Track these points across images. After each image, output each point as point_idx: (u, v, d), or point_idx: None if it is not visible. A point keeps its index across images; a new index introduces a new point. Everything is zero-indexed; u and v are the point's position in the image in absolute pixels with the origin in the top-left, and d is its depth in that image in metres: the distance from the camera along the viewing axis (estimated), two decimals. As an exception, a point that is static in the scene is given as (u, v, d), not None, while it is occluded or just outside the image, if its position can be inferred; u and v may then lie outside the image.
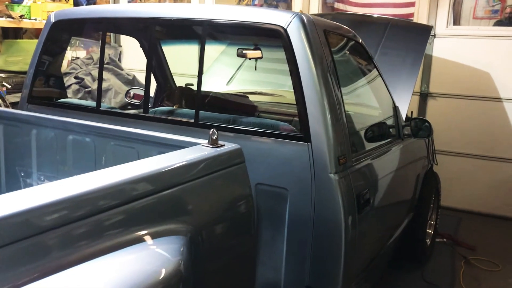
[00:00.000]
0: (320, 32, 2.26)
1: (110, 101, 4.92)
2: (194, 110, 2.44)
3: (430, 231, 4.05)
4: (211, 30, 2.55)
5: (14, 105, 4.55)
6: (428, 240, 3.94)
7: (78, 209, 1.17)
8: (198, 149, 1.70)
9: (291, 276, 2.22)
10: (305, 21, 2.19)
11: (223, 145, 1.74)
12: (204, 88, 4.06)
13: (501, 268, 3.89)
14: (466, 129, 5.16)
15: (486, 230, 4.80)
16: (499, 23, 5.20)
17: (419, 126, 3.08)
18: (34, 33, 6.04)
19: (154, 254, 1.31)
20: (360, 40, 2.80)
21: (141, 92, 3.61)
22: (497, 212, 5.11)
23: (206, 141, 1.74)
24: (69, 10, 3.43)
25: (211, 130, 1.72)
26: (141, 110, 2.72)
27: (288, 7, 6.00)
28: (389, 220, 3.00)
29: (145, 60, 3.25)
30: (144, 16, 2.63)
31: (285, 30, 2.18)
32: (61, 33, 2.96)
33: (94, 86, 5.07)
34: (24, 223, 1.05)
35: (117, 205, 1.27)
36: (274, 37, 2.26)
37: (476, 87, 5.06)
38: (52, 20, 2.85)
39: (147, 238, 1.33)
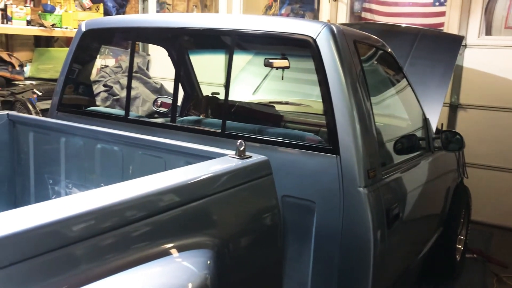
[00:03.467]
0: (350, 42, 2.23)
1: (137, 109, 4.97)
2: (220, 120, 2.42)
3: (460, 246, 3.92)
4: (240, 40, 2.54)
5: (44, 112, 4.64)
6: (458, 256, 3.82)
7: (105, 221, 1.16)
8: (226, 160, 1.68)
9: (317, 291, 2.18)
10: (335, 32, 2.16)
11: (251, 157, 1.72)
12: (231, 97, 4.08)
13: (534, 287, 3.74)
14: (497, 141, 5.01)
15: (518, 247, 4.64)
16: (532, 33, 5.06)
17: (449, 139, 3.01)
18: (65, 41, 6.17)
19: (181, 267, 1.29)
20: (390, 50, 2.75)
21: (169, 101, 3.64)
22: (530, 229, 4.94)
23: (233, 152, 1.72)
24: (100, 19, 3.49)
25: (239, 141, 1.70)
26: (169, 119, 2.72)
27: (315, 16, 5.97)
28: (418, 235, 2.92)
29: (172, 69, 3.28)
30: (173, 26, 2.64)
31: (315, 41, 2.15)
32: (91, 42, 3.00)
33: (123, 94, 5.14)
34: (53, 234, 1.05)
35: (143, 217, 1.25)
36: (303, 47, 2.24)
37: (507, 99, 4.92)
38: (83, 29, 2.89)
39: (174, 251, 1.31)
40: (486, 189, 5.04)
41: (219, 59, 4.01)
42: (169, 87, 5.45)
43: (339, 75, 2.11)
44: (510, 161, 4.99)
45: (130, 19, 3.25)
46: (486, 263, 4.12)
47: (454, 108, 5.15)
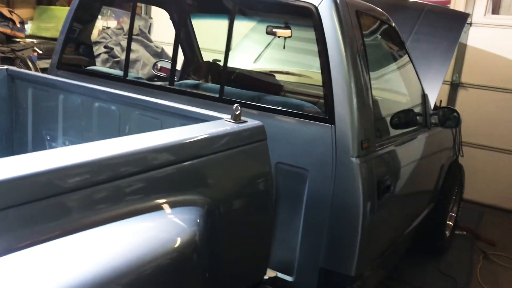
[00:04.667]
0: (352, 13, 2.21)
1: (137, 72, 4.96)
2: (219, 85, 2.43)
3: (451, 223, 3.99)
4: (242, 6, 2.52)
5: (44, 71, 4.62)
6: (447, 232, 3.88)
7: (99, 174, 1.19)
8: (221, 124, 1.70)
9: (305, 257, 2.23)
10: (338, 0, 2.14)
11: (246, 121, 1.74)
12: (231, 64, 4.05)
13: (520, 266, 3.83)
14: (496, 122, 5.03)
15: (508, 226, 4.71)
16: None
17: (447, 116, 3.02)
18: (67, 0, 6.10)
19: (171, 222, 1.32)
20: (393, 23, 2.73)
21: (168, 65, 3.62)
22: (522, 209, 5.01)
23: (229, 116, 1.74)
24: (102, -22, 3.43)
25: (235, 105, 1.72)
26: (167, 83, 2.72)
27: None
28: (409, 209, 2.97)
29: (174, 33, 3.25)
30: (175, -13, 2.61)
31: (317, 9, 2.14)
32: (92, 1, 2.97)
33: (123, 56, 5.11)
34: (47, 183, 1.08)
35: (137, 172, 1.28)
36: (305, 16, 2.22)
37: (509, 80, 4.91)
38: (85, -13, 2.86)
39: (165, 206, 1.34)
40: (481, 169, 5.09)
41: (222, 25, 3.98)
42: (170, 51, 5.41)
43: (339, 46, 2.11)
44: (506, 142, 5.02)
45: (132, -21, 3.21)
46: (474, 241, 4.20)
47: (455, 86, 5.14)
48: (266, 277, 2.01)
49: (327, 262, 2.18)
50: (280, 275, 2.26)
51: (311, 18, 2.17)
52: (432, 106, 3.29)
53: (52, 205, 1.08)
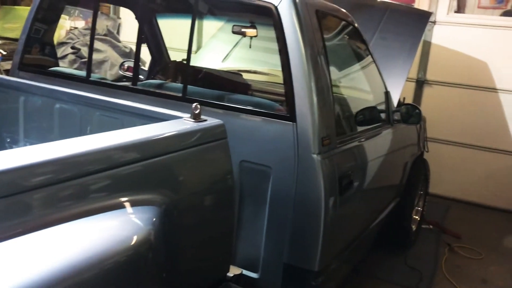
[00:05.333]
0: (312, 12, 2.25)
1: (106, 73, 4.91)
2: (182, 85, 2.43)
3: (417, 217, 4.08)
4: (204, 5, 2.53)
5: (8, 72, 4.53)
6: (413, 226, 3.97)
7: (54, 173, 1.19)
8: (180, 123, 1.71)
9: (270, 253, 2.26)
10: (297, 0, 2.17)
11: (206, 120, 1.75)
12: (199, 64, 4.06)
13: (483, 257, 3.94)
14: (461, 118, 5.17)
15: (473, 219, 4.85)
16: (507, 13, 5.14)
17: (410, 112, 3.09)
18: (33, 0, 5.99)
19: (127, 221, 1.33)
20: (355, 23, 2.79)
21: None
22: (486, 202, 5.15)
23: (189, 115, 1.75)
24: (63, -23, 3.38)
25: (194, 104, 1.73)
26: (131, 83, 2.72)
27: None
28: (373, 204, 3.03)
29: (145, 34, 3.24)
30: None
31: (276, 8, 2.17)
32: (54, 0, 2.94)
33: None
34: (8, 181, 1.09)
35: (92, 172, 1.28)
36: (266, 15, 2.25)
37: (473, 77, 5.05)
38: (46, -13, 2.82)
39: (122, 205, 1.35)
40: (447, 163, 5.22)
41: (189, 25, 3.98)
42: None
43: (299, 44, 2.14)
44: (471, 137, 5.16)
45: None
46: (440, 234, 4.31)
47: (420, 83, 5.26)
48: (231, 274, 2.02)
49: (291, 258, 2.21)
50: (245, 272, 2.28)
51: (271, 17, 2.19)
52: (395, 103, 3.37)
53: (12, 203, 1.09)
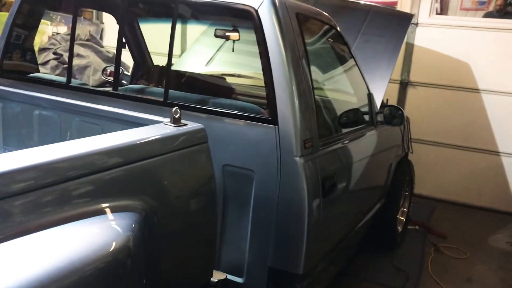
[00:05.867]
0: (292, 15, 2.25)
1: (88, 79, 4.87)
2: (164, 89, 2.42)
3: (402, 218, 4.10)
4: (184, 9, 2.52)
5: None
6: (399, 227, 3.99)
7: (34, 180, 1.18)
8: (159, 127, 1.69)
9: (254, 257, 2.24)
10: (277, 3, 2.17)
11: (186, 124, 1.74)
12: (183, 68, 4.04)
13: (468, 256, 3.97)
14: (444, 118, 5.21)
15: (458, 219, 4.89)
16: (489, 15, 5.20)
17: (393, 114, 3.10)
18: (14, 6, 5.92)
19: (106, 227, 1.31)
20: (336, 26, 2.79)
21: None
22: (471, 202, 5.20)
23: (169, 119, 1.73)
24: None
25: (173, 109, 1.71)
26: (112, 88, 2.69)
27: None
28: (358, 205, 3.03)
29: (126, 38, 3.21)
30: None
31: (256, 11, 2.17)
32: (33, 5, 2.90)
33: (73, 62, 5.00)
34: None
35: (71, 178, 1.27)
36: (246, 18, 2.24)
37: (455, 78, 5.10)
38: (24, -8, 2.79)
39: (101, 212, 1.33)
40: (432, 164, 5.26)
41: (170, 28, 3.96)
42: (123, 57, 5.35)
43: (280, 47, 2.14)
44: (454, 137, 5.21)
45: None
46: (426, 234, 4.34)
47: (404, 85, 5.30)
48: (215, 279, 2.01)
49: (276, 262, 2.20)
50: (230, 277, 2.27)
51: (251, 20, 2.19)
52: (379, 104, 3.38)
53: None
